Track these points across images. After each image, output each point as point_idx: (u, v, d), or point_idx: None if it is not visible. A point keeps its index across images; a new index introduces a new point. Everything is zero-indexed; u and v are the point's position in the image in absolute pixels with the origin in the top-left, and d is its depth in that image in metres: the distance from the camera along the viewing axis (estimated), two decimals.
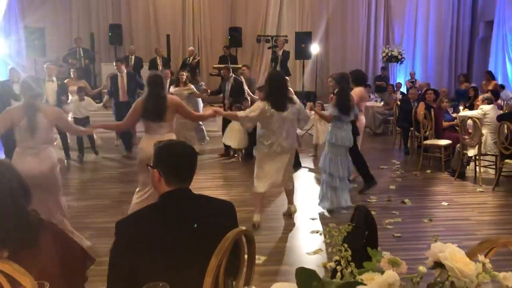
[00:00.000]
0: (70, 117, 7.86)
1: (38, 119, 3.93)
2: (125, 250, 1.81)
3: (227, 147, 8.44)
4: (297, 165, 7.34)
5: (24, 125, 3.90)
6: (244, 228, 1.89)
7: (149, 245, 1.81)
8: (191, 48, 12.97)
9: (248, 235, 1.92)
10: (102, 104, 9.12)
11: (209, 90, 9.47)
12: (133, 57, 12.05)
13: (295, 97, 5.26)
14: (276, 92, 4.85)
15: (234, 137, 8.02)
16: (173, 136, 4.44)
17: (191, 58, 12.44)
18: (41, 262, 1.68)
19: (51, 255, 1.73)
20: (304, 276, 1.27)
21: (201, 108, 9.22)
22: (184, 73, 8.80)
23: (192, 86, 8.76)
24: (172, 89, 8.63)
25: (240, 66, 12.52)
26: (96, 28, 13.83)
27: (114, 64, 8.62)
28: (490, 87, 10.50)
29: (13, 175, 1.87)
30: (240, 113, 5.12)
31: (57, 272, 1.71)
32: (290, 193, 5.44)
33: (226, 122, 8.24)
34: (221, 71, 9.61)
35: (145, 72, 10.94)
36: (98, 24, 13.90)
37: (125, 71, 8.53)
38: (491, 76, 11.24)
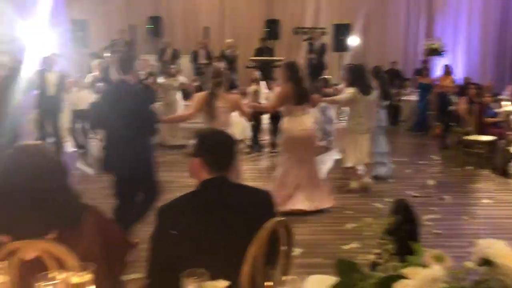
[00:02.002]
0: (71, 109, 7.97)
1: (217, 104, 4.39)
2: (166, 235, 1.83)
3: None
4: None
5: (205, 109, 4.41)
6: (282, 218, 1.89)
7: (189, 231, 1.83)
8: (231, 40, 12.89)
9: (286, 226, 1.91)
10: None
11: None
12: (169, 49, 12.13)
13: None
14: (362, 79, 5.72)
15: (236, 128, 7.95)
16: (309, 117, 5.05)
17: (231, 50, 12.39)
18: (84, 244, 1.70)
19: (92, 238, 1.76)
20: (345, 267, 1.25)
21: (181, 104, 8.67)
22: (172, 67, 8.73)
23: (182, 77, 8.74)
24: (161, 80, 8.59)
25: (279, 58, 12.41)
26: (135, 20, 14.02)
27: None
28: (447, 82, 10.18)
29: (54, 158, 1.85)
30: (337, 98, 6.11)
31: (98, 255, 1.73)
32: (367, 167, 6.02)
33: None
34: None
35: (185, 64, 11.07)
36: (137, 16, 14.08)
37: None
38: (449, 71, 11.01)
